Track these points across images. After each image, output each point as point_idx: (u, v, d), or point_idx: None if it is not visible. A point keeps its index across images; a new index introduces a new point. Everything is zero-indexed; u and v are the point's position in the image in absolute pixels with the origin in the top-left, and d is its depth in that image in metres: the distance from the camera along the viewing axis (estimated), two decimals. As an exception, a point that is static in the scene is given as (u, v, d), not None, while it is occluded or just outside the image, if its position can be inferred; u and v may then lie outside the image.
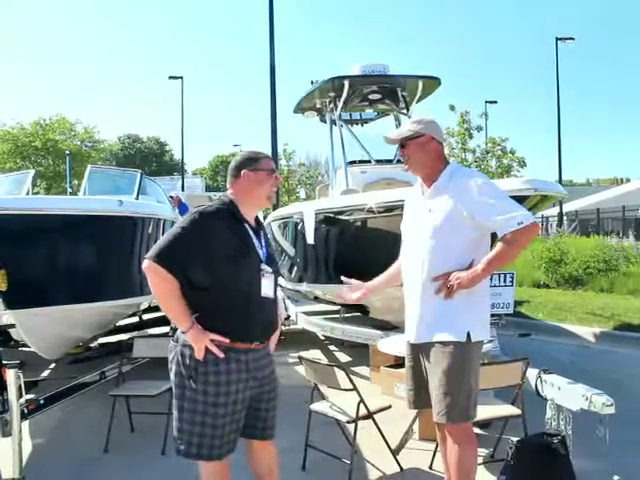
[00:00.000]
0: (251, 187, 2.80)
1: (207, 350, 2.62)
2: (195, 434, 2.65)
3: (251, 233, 2.79)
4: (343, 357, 7.35)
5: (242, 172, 2.81)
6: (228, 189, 2.87)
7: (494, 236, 3.00)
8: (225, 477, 2.79)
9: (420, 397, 3.08)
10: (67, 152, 28.47)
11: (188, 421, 2.66)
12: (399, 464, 3.96)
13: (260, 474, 2.98)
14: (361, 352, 6.61)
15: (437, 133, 3.06)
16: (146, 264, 2.60)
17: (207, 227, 2.66)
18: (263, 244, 2.84)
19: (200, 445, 2.65)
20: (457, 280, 2.83)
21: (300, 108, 9.07)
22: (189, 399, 2.66)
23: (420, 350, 3.02)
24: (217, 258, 2.63)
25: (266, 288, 2.77)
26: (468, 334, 2.88)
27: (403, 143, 3.06)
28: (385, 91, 8.16)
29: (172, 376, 2.75)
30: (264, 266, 2.77)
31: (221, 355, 2.63)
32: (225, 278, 2.65)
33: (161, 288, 2.65)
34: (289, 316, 7.99)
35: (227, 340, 2.65)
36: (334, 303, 7.64)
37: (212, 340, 2.62)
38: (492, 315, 5.13)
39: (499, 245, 2.82)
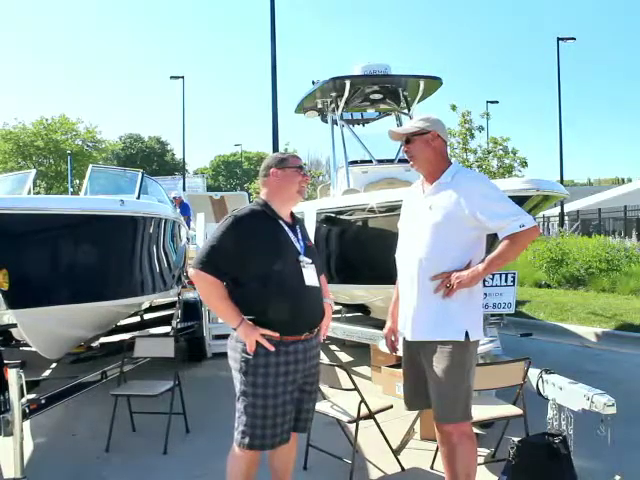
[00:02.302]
0: (280, 184, 2.94)
1: (258, 344, 2.74)
2: (247, 425, 2.78)
3: (286, 228, 2.92)
4: (344, 357, 7.35)
5: (271, 170, 2.95)
6: (260, 190, 3.02)
7: (490, 237, 3.02)
8: (252, 473, 2.89)
9: (418, 398, 3.09)
10: (68, 152, 28.47)
11: (241, 412, 2.80)
12: (400, 464, 3.96)
13: (278, 467, 3.07)
14: (362, 352, 6.61)
15: (442, 131, 3.08)
16: (192, 272, 2.79)
17: (242, 228, 2.79)
18: (300, 237, 2.96)
19: (252, 435, 2.76)
20: (457, 279, 2.83)
21: (301, 108, 9.07)
22: (240, 391, 2.80)
23: (417, 350, 3.02)
24: (256, 256, 2.76)
25: (310, 278, 2.88)
26: (467, 333, 2.89)
27: (409, 139, 3.06)
28: (386, 91, 8.16)
29: (232, 370, 2.89)
30: (303, 258, 2.89)
31: (272, 348, 2.75)
32: (266, 274, 2.77)
33: (208, 292, 2.83)
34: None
35: (277, 334, 2.76)
36: (335, 303, 7.64)
37: (263, 335, 2.74)
38: (493, 315, 5.15)
39: (501, 246, 2.85)
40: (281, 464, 3.07)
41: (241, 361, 2.79)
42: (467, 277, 2.83)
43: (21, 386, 3.61)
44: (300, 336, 2.85)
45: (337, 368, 3.89)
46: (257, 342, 2.74)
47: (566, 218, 26.72)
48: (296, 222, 3.04)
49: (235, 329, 2.78)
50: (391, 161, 7.80)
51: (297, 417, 2.94)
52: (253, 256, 2.76)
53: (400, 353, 3.35)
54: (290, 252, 2.86)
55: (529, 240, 2.95)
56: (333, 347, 7.87)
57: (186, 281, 7.41)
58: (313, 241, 6.31)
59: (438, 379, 2.88)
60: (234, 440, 2.83)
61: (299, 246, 2.91)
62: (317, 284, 2.95)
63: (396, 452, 4.04)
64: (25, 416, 3.75)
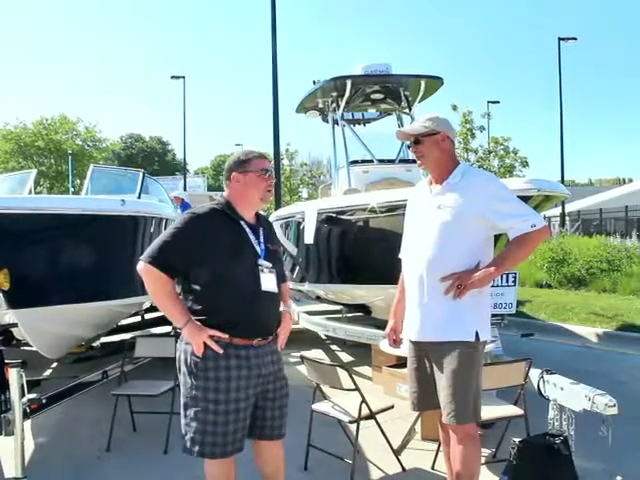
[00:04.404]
0: (242, 190, 2.84)
1: (207, 346, 2.66)
2: (198, 431, 2.67)
3: (247, 230, 2.81)
4: (345, 357, 7.35)
5: (232, 175, 2.85)
6: (224, 190, 2.93)
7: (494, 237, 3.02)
8: (230, 476, 2.79)
9: (425, 400, 3.07)
10: (69, 152, 28.52)
11: (191, 418, 2.69)
12: (401, 464, 3.96)
13: (267, 474, 2.99)
14: (363, 352, 6.61)
15: (451, 132, 3.08)
16: (140, 266, 2.69)
17: (198, 227, 2.71)
18: (262, 240, 2.85)
19: (203, 442, 2.67)
20: (469, 280, 2.82)
21: (302, 108, 9.08)
22: (191, 396, 2.69)
23: (425, 351, 3.01)
24: (210, 256, 2.67)
25: (267, 283, 2.78)
26: (477, 334, 2.88)
27: (418, 139, 3.05)
28: (387, 91, 8.17)
29: (179, 374, 2.79)
30: (262, 261, 2.79)
31: (220, 351, 2.66)
32: (220, 275, 2.69)
33: (155, 288, 2.72)
34: (291, 316, 7.99)
35: (226, 336, 2.68)
36: (336, 303, 7.64)
37: (211, 336, 2.65)
38: (494, 315, 5.15)
39: (511, 246, 2.85)
40: (270, 469, 2.98)
41: (191, 364, 2.69)
42: (478, 278, 2.82)
43: (22, 386, 3.61)
44: (251, 341, 2.74)
45: (338, 368, 3.88)
46: (205, 344, 2.65)
47: (567, 218, 26.70)
48: (260, 224, 2.92)
49: (180, 329, 2.70)
50: (392, 161, 7.81)
51: (262, 425, 2.84)
52: (207, 256, 2.66)
53: (401, 351, 3.35)
54: (248, 255, 2.77)
55: (540, 240, 2.96)
56: (334, 347, 7.88)
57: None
58: (314, 241, 6.36)
59: (448, 380, 2.86)
60: (182, 448, 2.73)
61: (259, 249, 2.80)
62: (275, 290, 2.84)
63: (397, 452, 4.03)
64: (26, 416, 3.75)
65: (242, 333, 2.72)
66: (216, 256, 2.68)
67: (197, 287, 2.71)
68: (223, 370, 2.67)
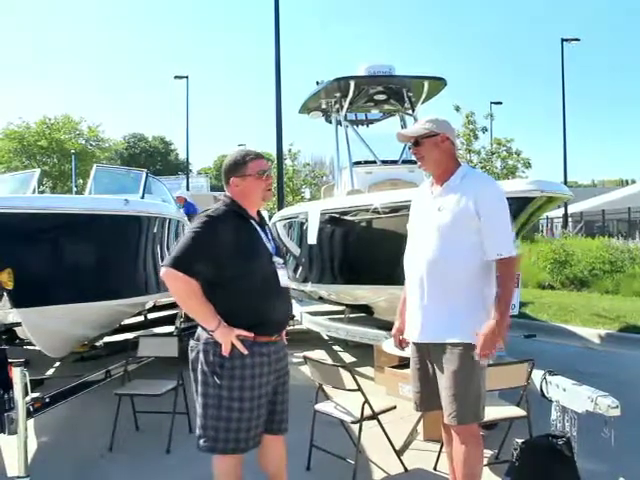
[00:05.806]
0: (241, 192, 2.87)
1: (232, 346, 2.69)
2: (221, 429, 2.71)
3: (258, 229, 2.87)
4: (347, 357, 7.35)
5: (230, 179, 2.88)
6: (225, 191, 2.95)
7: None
8: (238, 473, 2.83)
9: (427, 400, 3.08)
10: (72, 151, 28.61)
11: (213, 417, 2.72)
12: (403, 465, 3.96)
13: (271, 471, 3.02)
14: (365, 352, 6.61)
15: (451, 133, 3.08)
16: (164, 271, 2.67)
17: (218, 228, 2.72)
18: (270, 238, 2.91)
19: (226, 440, 2.71)
20: (491, 344, 2.81)
21: (306, 108, 9.07)
22: (213, 395, 2.71)
23: (427, 352, 3.02)
24: (231, 257, 2.70)
25: (284, 279, 2.86)
26: (477, 335, 2.87)
27: (417, 141, 3.05)
28: (391, 92, 8.17)
29: (195, 374, 2.79)
30: (276, 258, 2.86)
31: (245, 352, 2.70)
32: (242, 275, 2.72)
33: (182, 292, 2.71)
34: (294, 316, 8.01)
35: (252, 335, 2.71)
36: (339, 303, 7.65)
37: (237, 336, 2.68)
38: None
39: (499, 282, 2.89)
40: (274, 467, 3.01)
41: (214, 364, 2.70)
42: (492, 337, 2.80)
43: (25, 384, 3.62)
44: (272, 337, 2.81)
45: (341, 368, 3.89)
46: (231, 344, 2.68)
47: (570, 219, 26.70)
48: (263, 222, 2.97)
49: (212, 331, 2.68)
50: (395, 162, 7.81)
51: (271, 419, 2.89)
52: (229, 256, 2.69)
53: (403, 352, 3.36)
54: (263, 253, 2.82)
55: (507, 268, 2.88)
56: (336, 347, 7.88)
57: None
58: (317, 242, 6.37)
59: (448, 381, 2.88)
60: (200, 447, 2.75)
61: (270, 247, 2.87)
62: (289, 285, 2.93)
63: (399, 453, 4.03)
64: (29, 414, 3.76)
65: (266, 331, 2.78)
66: (236, 256, 2.71)
67: (220, 288, 2.72)
68: (248, 368, 2.71)
